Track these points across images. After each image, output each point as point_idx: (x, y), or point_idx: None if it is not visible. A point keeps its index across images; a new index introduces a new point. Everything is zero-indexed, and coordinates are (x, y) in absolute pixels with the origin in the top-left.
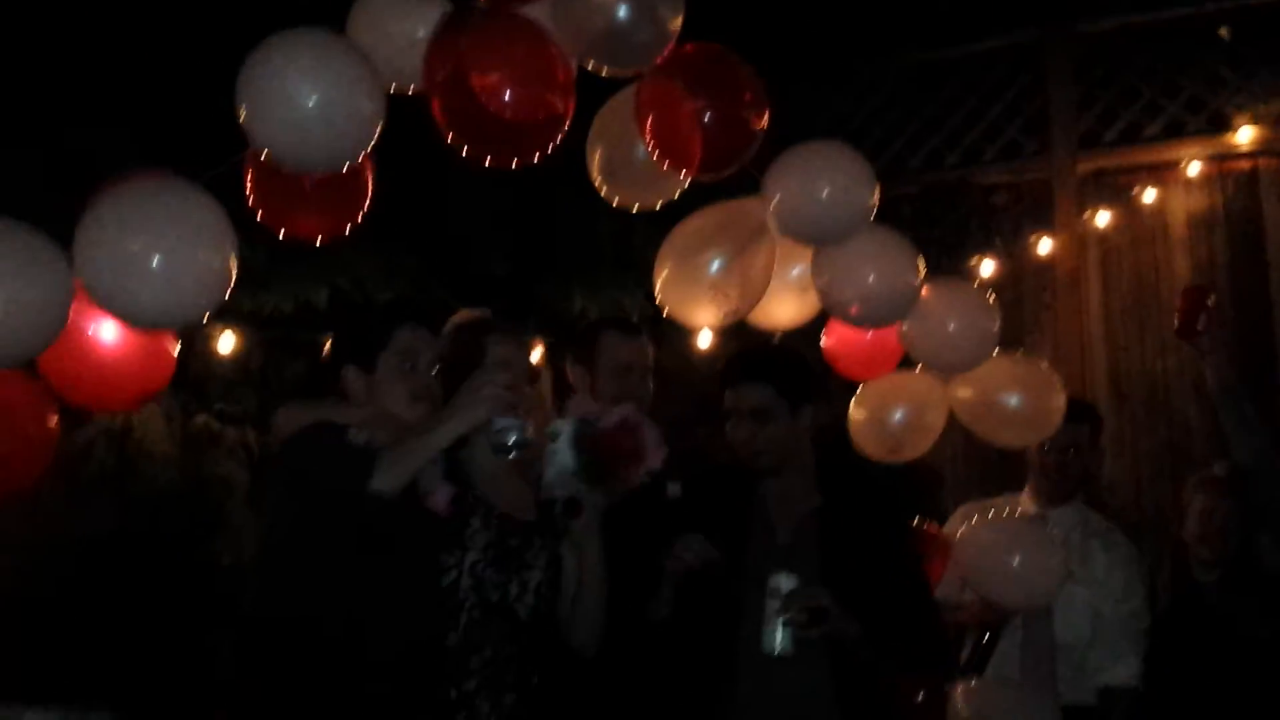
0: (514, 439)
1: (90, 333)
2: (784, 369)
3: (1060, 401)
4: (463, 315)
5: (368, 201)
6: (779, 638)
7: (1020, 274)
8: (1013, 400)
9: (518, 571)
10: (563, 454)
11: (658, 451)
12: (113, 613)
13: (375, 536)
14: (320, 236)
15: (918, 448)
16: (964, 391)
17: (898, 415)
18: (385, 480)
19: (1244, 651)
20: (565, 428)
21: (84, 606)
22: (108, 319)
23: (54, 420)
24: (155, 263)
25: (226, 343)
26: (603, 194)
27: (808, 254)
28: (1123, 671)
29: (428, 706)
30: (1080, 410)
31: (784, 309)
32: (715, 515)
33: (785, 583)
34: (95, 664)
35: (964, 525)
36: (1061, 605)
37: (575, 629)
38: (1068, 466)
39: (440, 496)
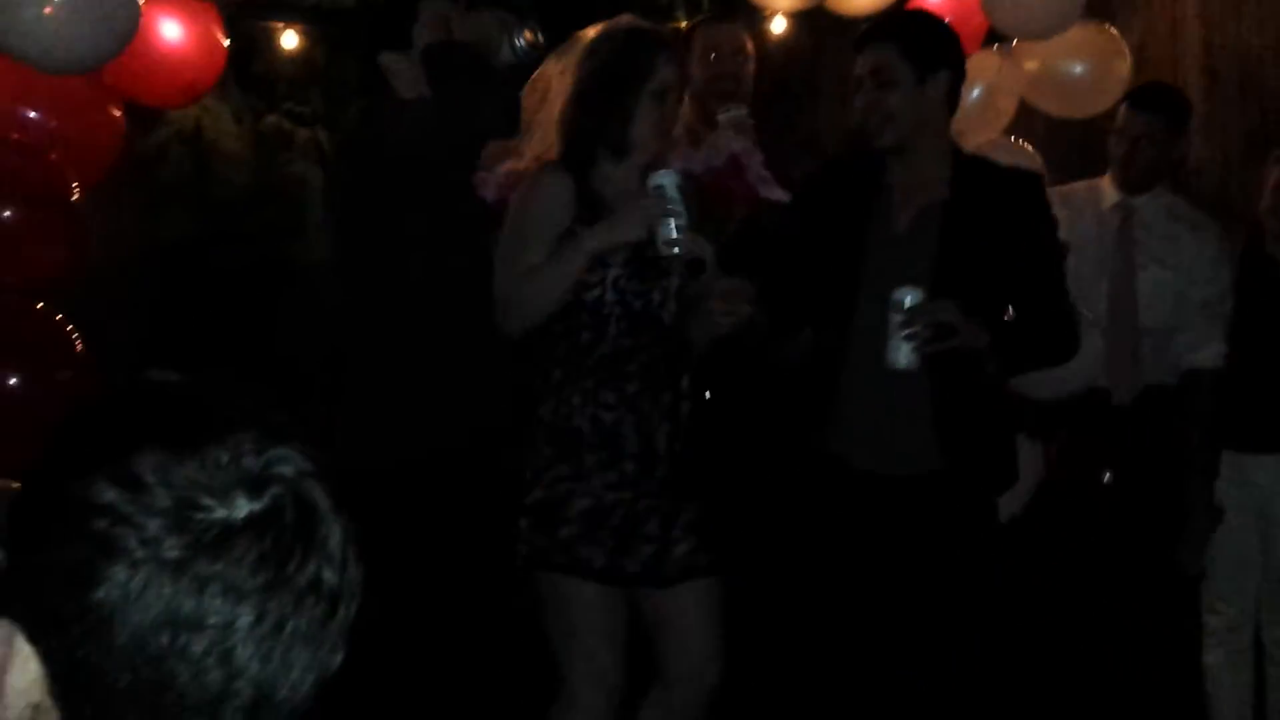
0: (679, 247)
1: (144, 26)
2: (910, 29)
3: (1124, 68)
4: (627, 20)
5: None
6: (903, 352)
7: None
8: (1076, 68)
9: (657, 279)
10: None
11: (768, 184)
12: (200, 314)
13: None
14: None
15: (989, 131)
16: (1029, 63)
17: (971, 96)
18: (514, 319)
19: None
20: (669, 181)
21: (173, 308)
22: (160, 13)
23: (117, 111)
24: None
25: (289, 40)
26: None
27: None
28: (1207, 354)
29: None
30: (1153, 98)
31: None
32: (836, 204)
33: (909, 296)
34: (186, 361)
35: None
36: (1146, 290)
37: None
38: (1139, 157)
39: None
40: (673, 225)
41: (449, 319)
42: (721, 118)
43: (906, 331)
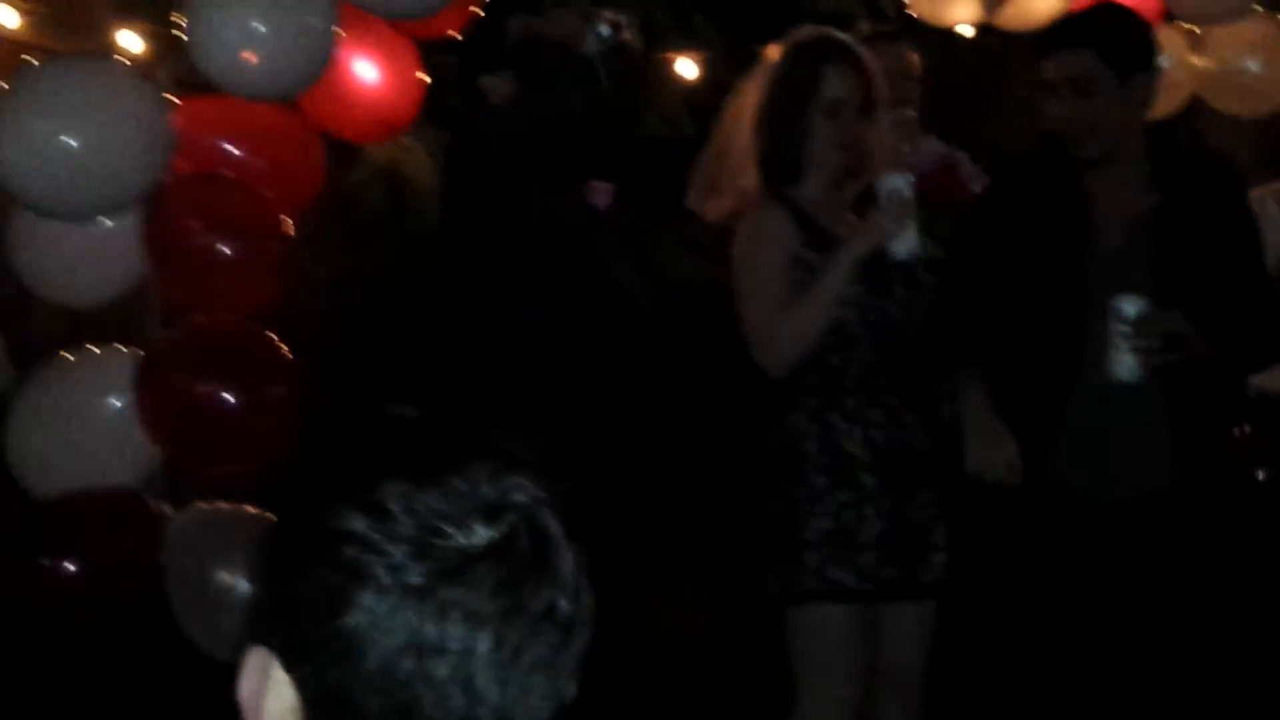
0: (915, 251)
1: (344, 63)
2: (1109, 29)
3: None
4: (803, 34)
5: None
6: (1128, 364)
7: None
8: (1251, 65)
9: (888, 291)
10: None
11: (980, 180)
12: (398, 346)
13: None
14: None
15: (1162, 108)
16: (1202, 60)
17: None
18: (785, 354)
19: None
20: (902, 184)
21: (371, 341)
22: (359, 50)
23: (317, 146)
24: None
25: None
26: None
27: None
28: None
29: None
30: None
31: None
32: (1031, 217)
33: (1132, 306)
34: (388, 391)
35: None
36: None
37: None
38: None
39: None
40: (910, 229)
41: (532, 320)
42: (888, 120)
43: (1133, 343)
